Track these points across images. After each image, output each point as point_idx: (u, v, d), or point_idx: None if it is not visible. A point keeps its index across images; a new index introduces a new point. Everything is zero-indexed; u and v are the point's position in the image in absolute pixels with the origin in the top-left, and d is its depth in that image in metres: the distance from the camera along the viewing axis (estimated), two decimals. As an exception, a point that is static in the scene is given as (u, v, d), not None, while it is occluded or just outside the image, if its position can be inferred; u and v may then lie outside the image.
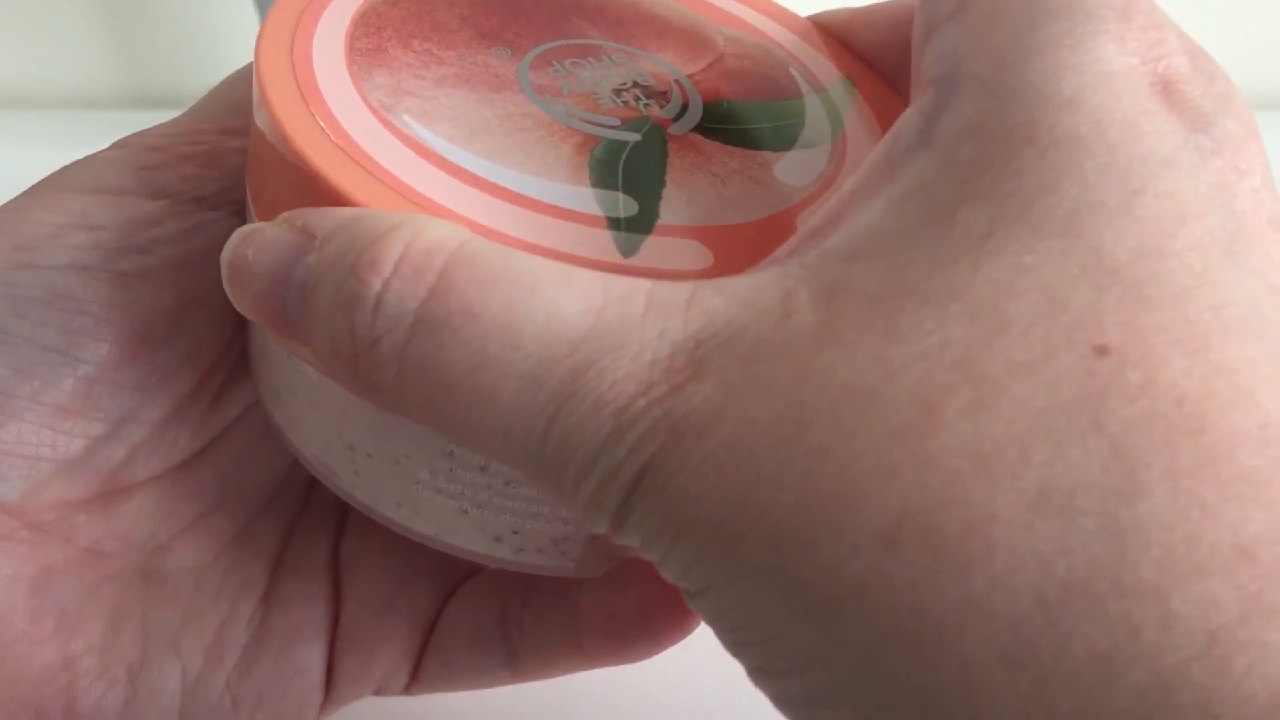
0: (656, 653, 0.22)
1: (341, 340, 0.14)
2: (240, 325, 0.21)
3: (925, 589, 0.12)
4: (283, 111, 0.17)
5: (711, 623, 0.14)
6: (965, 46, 0.14)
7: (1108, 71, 0.13)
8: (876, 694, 0.12)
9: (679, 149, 0.19)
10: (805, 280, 0.13)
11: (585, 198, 0.17)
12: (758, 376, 0.13)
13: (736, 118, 0.20)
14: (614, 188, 0.18)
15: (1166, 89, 0.14)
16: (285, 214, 0.16)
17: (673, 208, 0.18)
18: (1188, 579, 0.11)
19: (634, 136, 0.19)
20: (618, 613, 0.22)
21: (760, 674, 0.13)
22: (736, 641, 0.13)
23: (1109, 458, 0.11)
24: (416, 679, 0.23)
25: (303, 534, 0.23)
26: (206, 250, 0.20)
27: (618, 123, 0.19)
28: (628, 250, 0.17)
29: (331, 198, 0.16)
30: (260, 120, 0.18)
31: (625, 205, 0.18)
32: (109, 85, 0.59)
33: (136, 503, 0.21)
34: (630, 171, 0.18)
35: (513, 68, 0.19)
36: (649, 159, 0.19)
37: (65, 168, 0.20)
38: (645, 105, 0.19)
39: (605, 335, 0.13)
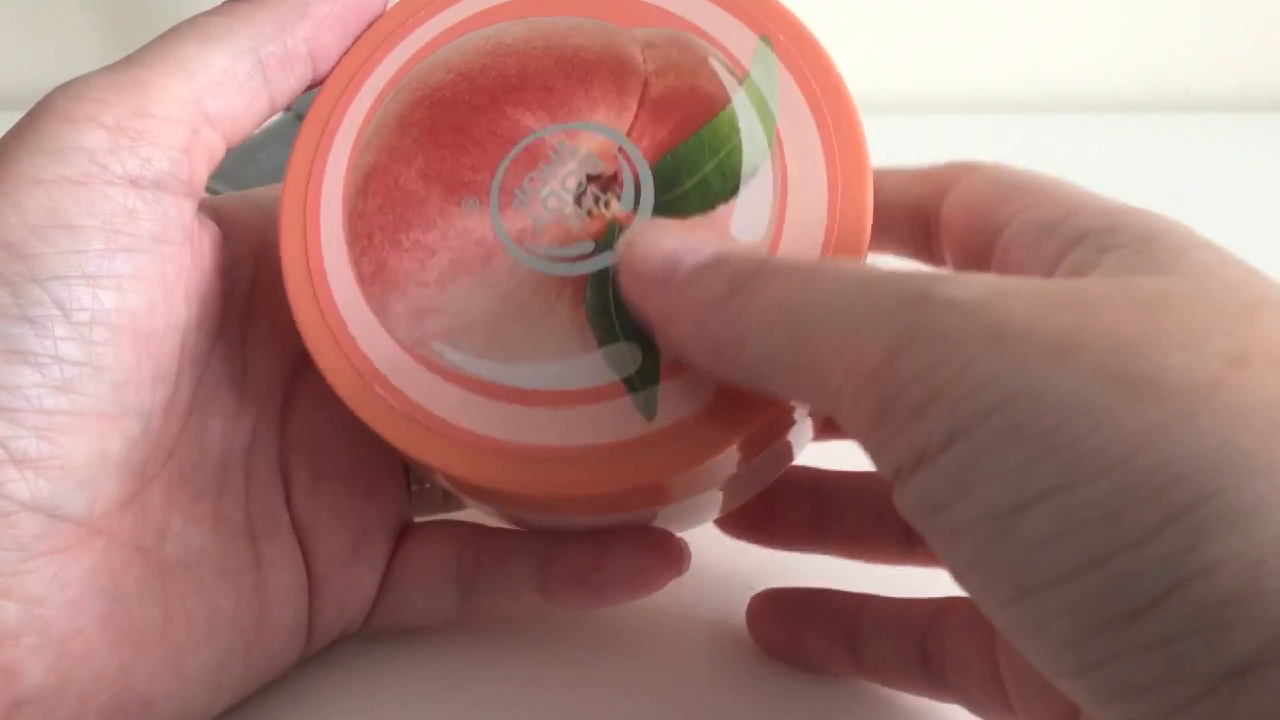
0: (622, 603, 0.24)
1: (717, 289, 0.18)
2: (201, 310, 0.22)
3: (1276, 393, 0.14)
4: (346, 391, 0.20)
5: (1002, 441, 0.14)
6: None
7: None
8: (1220, 469, 0.13)
9: None
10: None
11: (599, 366, 0.20)
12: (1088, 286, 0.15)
13: (682, 173, 0.21)
14: (616, 338, 0.20)
15: None
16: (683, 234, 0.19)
17: None
18: None
19: (610, 259, 0.20)
20: (602, 567, 0.23)
21: (1058, 491, 0.14)
22: (1039, 454, 0.14)
23: None
24: (370, 620, 0.25)
25: (259, 504, 0.24)
26: (179, 238, 0.21)
27: (591, 246, 0.21)
28: (648, 412, 0.19)
29: (417, 462, 0.20)
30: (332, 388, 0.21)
31: (631, 356, 0.20)
32: (109, 86, 0.59)
33: (155, 497, 0.22)
34: (622, 308, 0.20)
35: (488, 221, 0.21)
36: None
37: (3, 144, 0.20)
38: (606, 204, 0.21)
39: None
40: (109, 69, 0.21)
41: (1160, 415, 0.13)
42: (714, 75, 0.21)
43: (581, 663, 0.26)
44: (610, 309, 0.20)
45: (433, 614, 0.25)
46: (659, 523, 0.23)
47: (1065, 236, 0.18)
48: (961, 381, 0.14)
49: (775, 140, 0.21)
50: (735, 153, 0.20)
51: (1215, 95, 0.57)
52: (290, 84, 0.22)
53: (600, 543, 0.23)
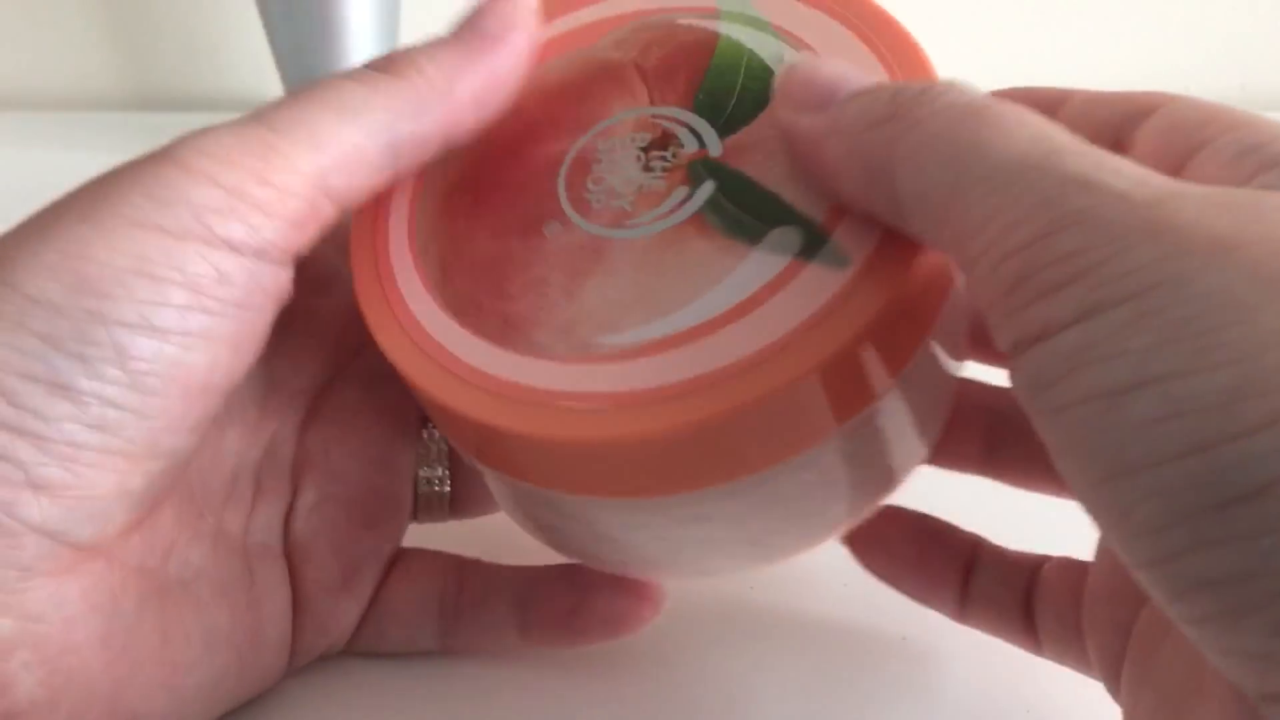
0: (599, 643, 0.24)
1: (876, 109, 0.17)
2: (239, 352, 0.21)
3: None
4: (559, 433, 0.19)
5: (1133, 323, 0.14)
6: None
7: None
8: None
9: (738, 160, 0.20)
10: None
11: (764, 261, 0.19)
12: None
13: (722, 98, 0.21)
14: (762, 231, 0.19)
15: None
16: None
17: (805, 198, 0.19)
18: None
19: (709, 185, 0.20)
20: (582, 610, 0.23)
21: (1177, 376, 0.13)
22: (1167, 339, 0.13)
23: None
24: (351, 645, 0.25)
25: (259, 517, 0.24)
26: (263, 304, 0.20)
27: (686, 190, 0.20)
28: (839, 261, 0.18)
29: (634, 443, 0.19)
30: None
31: (789, 235, 0.19)
32: (110, 86, 0.59)
33: (164, 518, 0.22)
34: (750, 210, 0.20)
35: (579, 230, 0.21)
36: (741, 188, 0.20)
37: (113, 179, 0.19)
38: (674, 155, 0.21)
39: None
40: (239, 126, 0.20)
41: None
42: (690, 28, 0.22)
43: (580, 658, 0.26)
44: (742, 217, 0.20)
45: (412, 646, 0.25)
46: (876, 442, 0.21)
47: (1265, 158, 0.17)
48: (1109, 266, 0.14)
49: (780, 32, 0.21)
50: (754, 57, 0.21)
51: (1215, 95, 0.57)
52: (416, 163, 0.21)
53: (580, 585, 0.24)
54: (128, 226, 0.19)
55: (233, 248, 0.19)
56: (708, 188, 0.20)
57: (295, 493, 0.24)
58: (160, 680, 0.21)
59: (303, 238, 0.20)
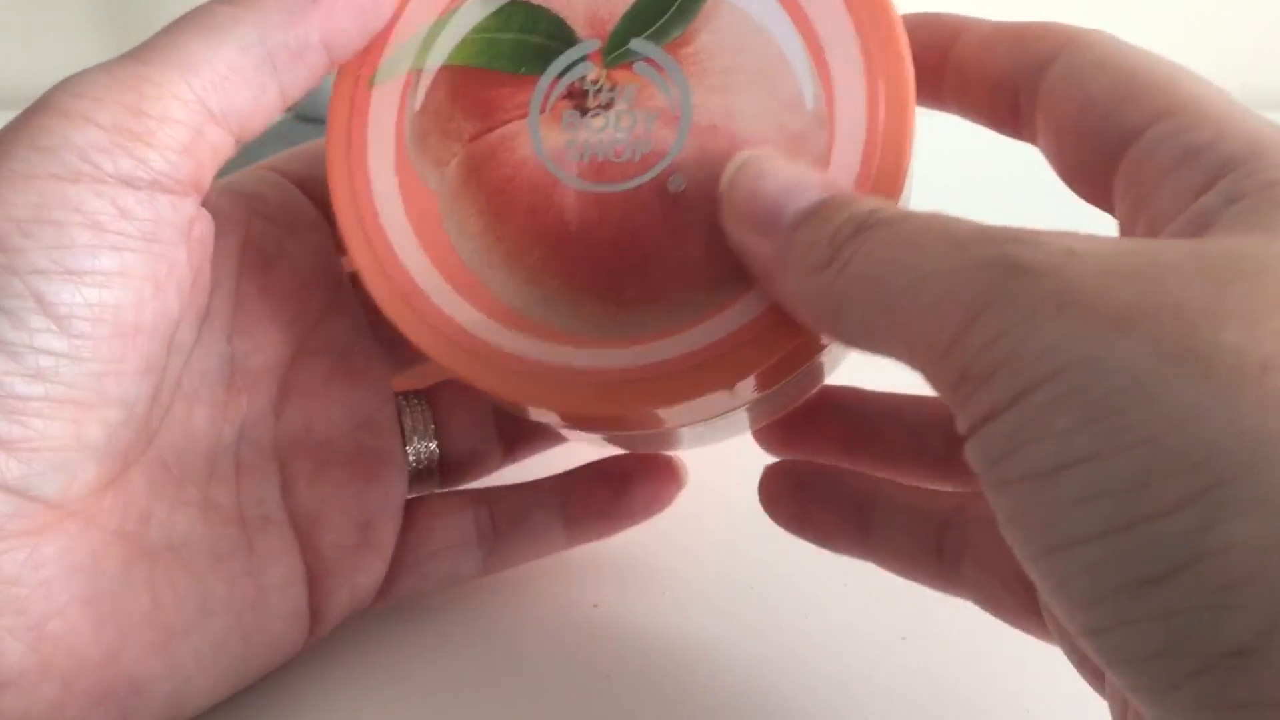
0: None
1: (818, 253, 0.18)
2: (181, 293, 0.22)
3: None
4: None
5: (1054, 405, 0.14)
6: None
7: None
8: (1249, 453, 0.13)
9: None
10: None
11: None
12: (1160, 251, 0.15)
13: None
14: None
15: None
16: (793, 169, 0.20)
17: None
18: None
19: (639, 40, 0.21)
20: (623, 497, 0.26)
21: (1094, 458, 0.14)
22: (1083, 421, 0.14)
23: None
24: (390, 594, 0.26)
25: (250, 492, 0.24)
26: (172, 237, 0.21)
27: (637, 55, 0.21)
28: None
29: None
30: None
31: None
32: (109, 86, 0.59)
33: (136, 483, 0.22)
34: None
35: (687, 140, 0.21)
36: (642, 13, 0.22)
37: None
38: (594, 80, 0.22)
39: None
40: (111, 64, 0.20)
41: (1203, 394, 0.13)
42: None
43: (580, 658, 0.26)
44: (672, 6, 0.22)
45: (458, 578, 0.26)
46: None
47: (1209, 166, 0.17)
48: (1025, 347, 0.15)
49: None
50: None
51: (1215, 95, 0.57)
52: (302, 75, 0.21)
53: (615, 476, 0.26)
54: (18, 179, 0.19)
55: (126, 182, 0.20)
56: (639, 42, 0.22)
57: (285, 468, 0.24)
58: (154, 643, 0.21)
59: (197, 165, 0.21)
